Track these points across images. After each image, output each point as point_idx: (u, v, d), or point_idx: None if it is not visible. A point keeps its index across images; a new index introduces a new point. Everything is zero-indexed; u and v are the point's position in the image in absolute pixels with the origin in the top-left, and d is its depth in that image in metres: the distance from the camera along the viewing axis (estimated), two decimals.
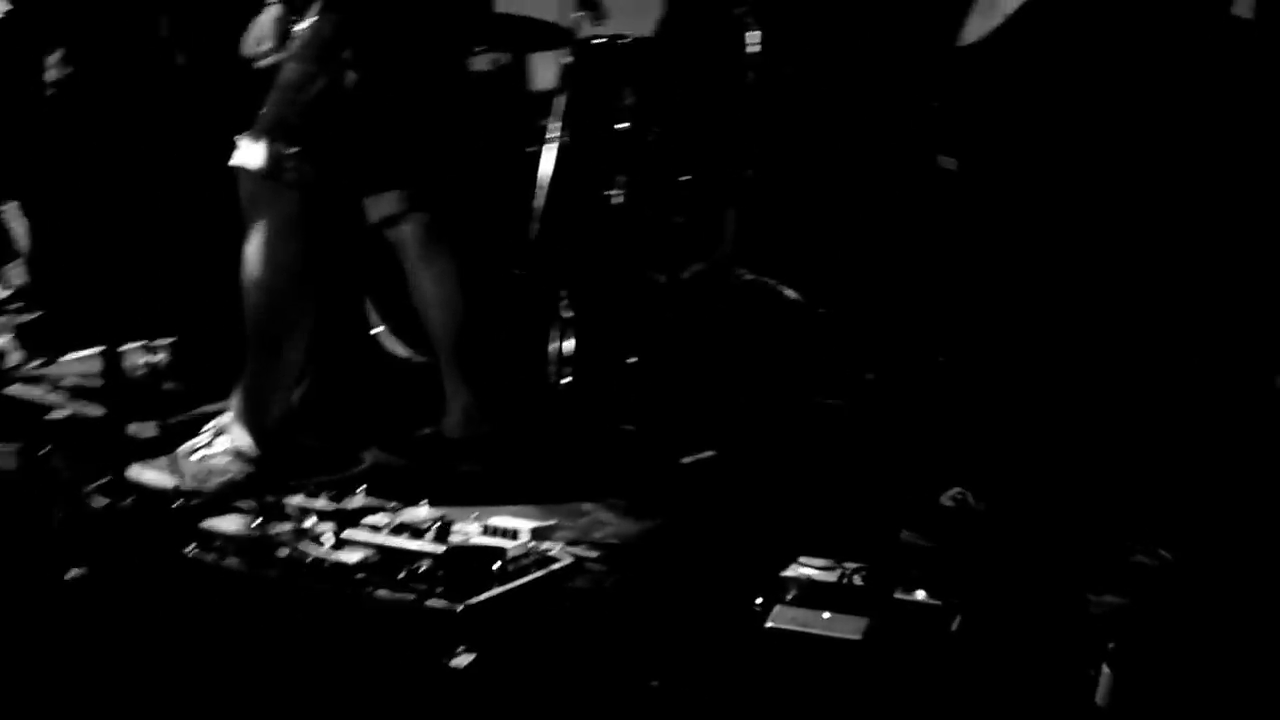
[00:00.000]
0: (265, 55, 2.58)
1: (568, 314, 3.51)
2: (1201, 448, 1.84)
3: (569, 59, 3.69)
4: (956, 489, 2.06)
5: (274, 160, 2.24)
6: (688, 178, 3.96)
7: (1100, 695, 1.41)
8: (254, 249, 2.27)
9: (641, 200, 3.94)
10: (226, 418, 2.34)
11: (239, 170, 2.28)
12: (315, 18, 2.30)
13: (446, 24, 2.42)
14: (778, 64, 3.46)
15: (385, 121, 2.33)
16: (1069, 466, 1.88)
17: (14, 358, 3.40)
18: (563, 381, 3.25)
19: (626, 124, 3.68)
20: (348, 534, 1.87)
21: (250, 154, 2.26)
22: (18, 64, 3.64)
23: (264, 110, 2.32)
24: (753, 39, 3.48)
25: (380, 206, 2.50)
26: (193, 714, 1.44)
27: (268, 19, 2.54)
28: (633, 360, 3.63)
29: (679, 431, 2.95)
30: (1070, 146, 1.68)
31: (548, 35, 4.00)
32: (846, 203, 3.64)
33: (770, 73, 3.45)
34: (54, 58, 3.71)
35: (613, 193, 3.84)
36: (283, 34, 2.43)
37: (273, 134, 2.26)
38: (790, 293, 3.64)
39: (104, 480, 2.01)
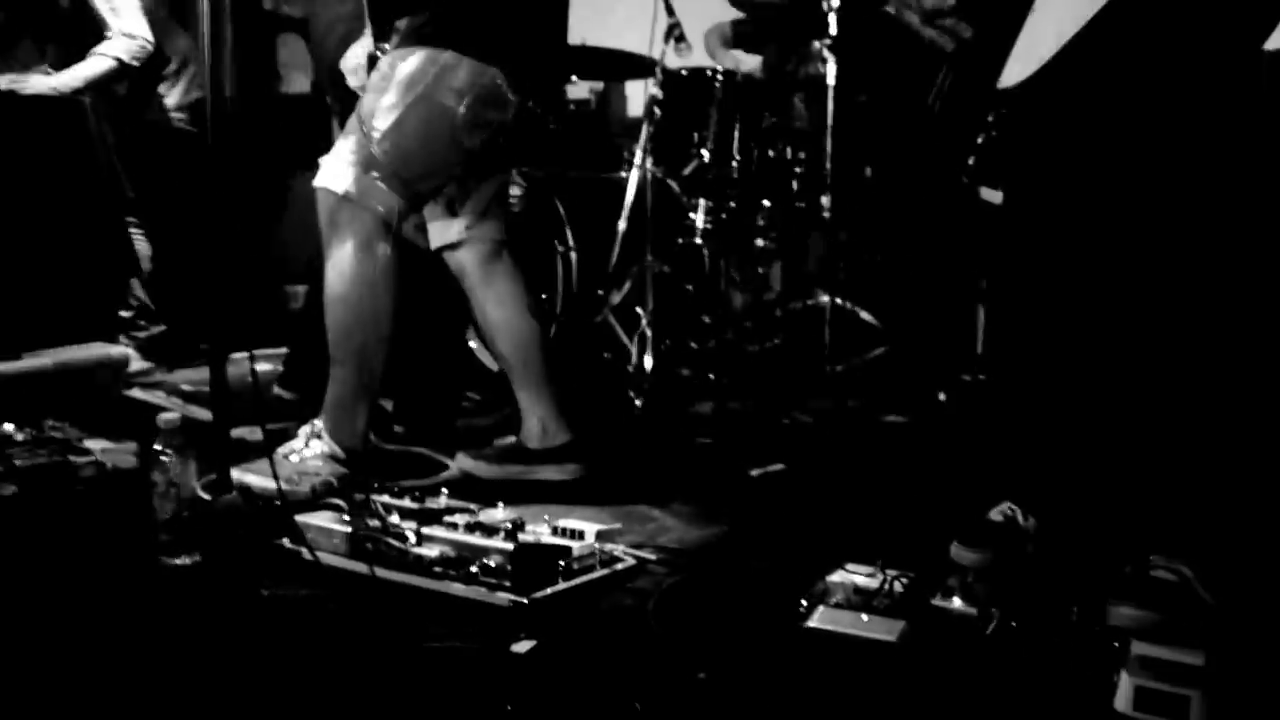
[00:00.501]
0: (357, 83, 2.78)
1: (647, 331, 3.66)
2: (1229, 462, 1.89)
3: (656, 89, 3.84)
4: (1007, 504, 2.13)
5: (351, 183, 2.42)
6: (769, 204, 4.08)
7: (1120, 701, 1.49)
8: (334, 265, 2.44)
9: (724, 224, 4.07)
10: (319, 423, 2.52)
11: (320, 190, 2.46)
12: (394, 52, 2.48)
13: (531, 59, 2.55)
14: (852, 94, 3.56)
15: (455, 151, 2.49)
16: (1105, 480, 1.94)
17: (135, 366, 3.66)
18: (640, 397, 3.39)
19: (709, 151, 3.82)
20: (428, 531, 2.02)
21: (331, 176, 2.44)
22: (140, 92, 3.91)
23: (344, 134, 2.50)
24: (830, 71, 3.60)
25: (441, 233, 2.66)
26: (286, 683, 1.60)
27: (361, 49, 2.73)
28: (714, 379, 3.77)
29: (750, 446, 3.07)
30: (1105, 182, 1.76)
31: (636, 66, 4.16)
32: (910, 228, 3.73)
33: (846, 103, 3.55)
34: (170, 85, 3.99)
35: (694, 217, 3.99)
36: (371, 64, 2.62)
37: (350, 158, 2.43)
38: (866, 315, 3.73)
39: (211, 478, 2.19)
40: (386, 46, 2.54)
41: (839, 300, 3.68)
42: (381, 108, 2.41)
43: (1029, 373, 2.05)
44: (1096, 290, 1.83)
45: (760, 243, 4.17)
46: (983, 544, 2.04)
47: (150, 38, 3.72)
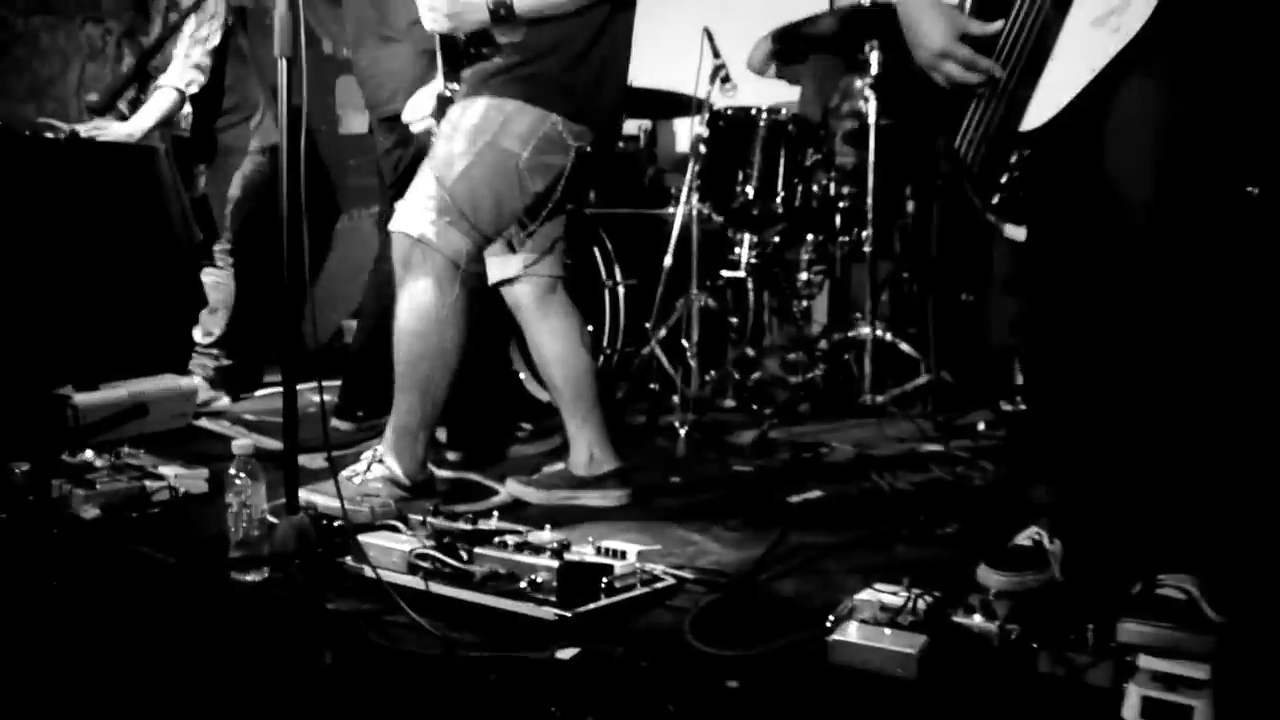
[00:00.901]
0: (423, 126, 2.93)
1: (692, 363, 3.79)
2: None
3: (702, 128, 3.99)
4: (1034, 528, 2.21)
5: (425, 227, 2.58)
6: (815, 238, 4.21)
7: (1128, 710, 1.58)
8: (405, 303, 2.59)
9: (769, 259, 4.19)
10: (381, 449, 2.67)
11: (396, 234, 2.62)
12: (462, 101, 2.63)
13: (591, 106, 2.69)
14: (893, 134, 3.68)
15: (520, 195, 2.64)
16: (1128, 503, 2.02)
17: (203, 396, 3.84)
18: (685, 426, 3.51)
19: (754, 188, 3.94)
20: (480, 550, 2.15)
21: (406, 220, 2.59)
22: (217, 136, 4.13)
23: (417, 179, 2.66)
24: (871, 109, 3.72)
25: (500, 268, 2.80)
26: (346, 687, 1.73)
27: (429, 93, 2.89)
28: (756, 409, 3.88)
29: (790, 474, 3.18)
30: (1121, 223, 1.85)
31: (683, 104, 4.30)
32: (948, 261, 3.83)
33: (886, 140, 3.67)
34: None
35: (739, 251, 4.12)
36: (440, 110, 2.78)
37: (424, 203, 2.59)
38: (905, 347, 3.83)
39: (279, 501, 2.34)
40: (456, 88, 2.70)
41: (879, 332, 3.79)
42: (452, 155, 2.56)
43: (1057, 401, 2.14)
44: (1115, 325, 1.93)
45: (804, 276, 4.29)
46: (1007, 566, 2.13)
47: (209, 68, 3.87)
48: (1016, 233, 2.06)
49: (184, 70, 3.79)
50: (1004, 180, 2.00)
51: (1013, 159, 1.98)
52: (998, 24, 1.94)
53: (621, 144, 5.08)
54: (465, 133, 2.56)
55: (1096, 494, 2.13)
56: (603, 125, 2.69)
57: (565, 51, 2.58)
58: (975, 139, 2.03)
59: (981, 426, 3.64)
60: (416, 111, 2.90)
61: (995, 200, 2.03)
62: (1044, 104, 1.91)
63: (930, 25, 1.99)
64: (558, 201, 2.71)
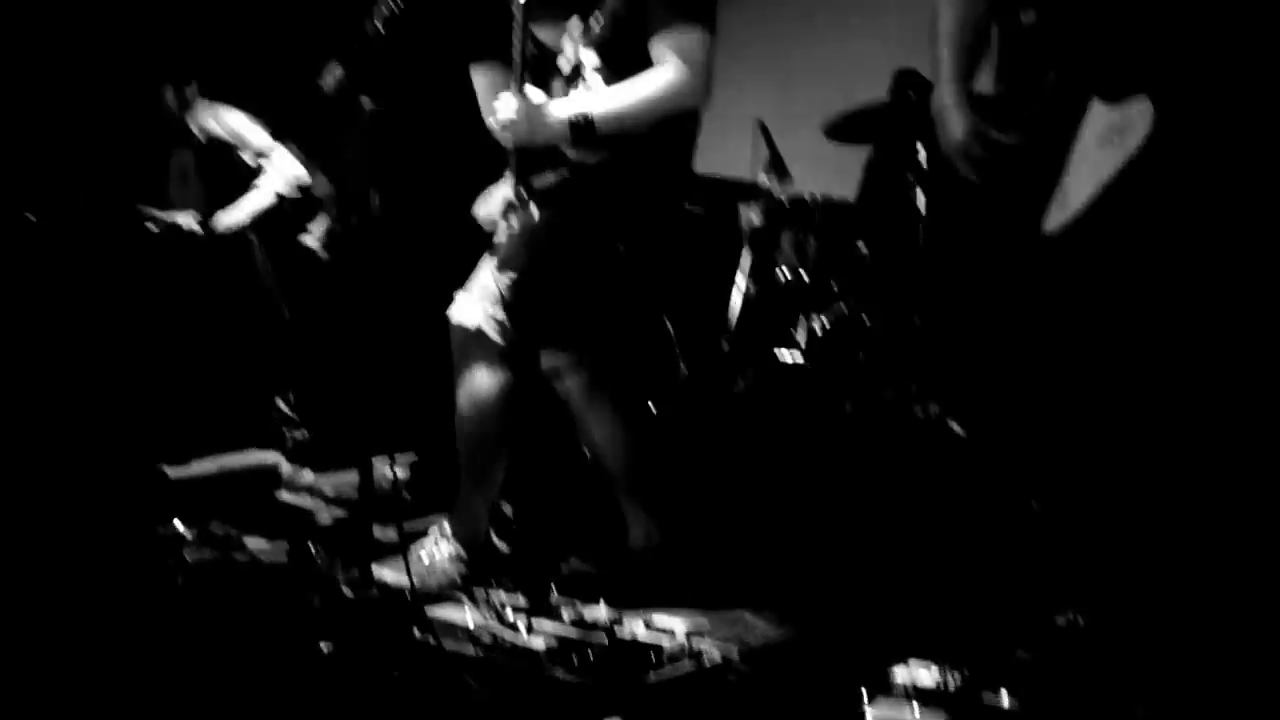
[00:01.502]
0: (490, 223, 3.13)
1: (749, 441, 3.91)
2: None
3: (758, 214, 4.15)
4: (1070, 608, 2.29)
5: (482, 319, 2.76)
6: (867, 320, 4.32)
7: None
8: (465, 390, 2.76)
9: (825, 339, 4.32)
10: (447, 525, 2.84)
11: (454, 324, 2.81)
12: (525, 209, 2.82)
13: (644, 216, 2.86)
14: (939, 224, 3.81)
15: (575, 294, 2.81)
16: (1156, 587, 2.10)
17: (285, 470, 4.06)
18: (740, 503, 3.62)
19: (808, 272, 4.09)
20: (538, 623, 2.30)
21: (464, 311, 2.79)
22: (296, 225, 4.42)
23: (478, 274, 2.85)
24: (920, 200, 3.86)
25: (551, 359, 2.91)
26: None
27: (499, 195, 3.08)
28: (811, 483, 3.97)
29: (841, 548, 3.27)
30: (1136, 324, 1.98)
31: (742, 190, 4.47)
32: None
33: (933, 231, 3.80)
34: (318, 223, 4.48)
35: (796, 332, 4.25)
36: (506, 211, 2.97)
37: (488, 297, 2.78)
38: (954, 425, 3.91)
39: (353, 574, 2.51)
40: (524, 192, 2.86)
41: (929, 409, 3.88)
42: (511, 256, 2.76)
43: (1092, 485, 2.24)
44: (1139, 418, 2.04)
45: (861, 355, 4.41)
46: (1038, 645, 2.22)
47: (304, 173, 4.22)
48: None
49: (281, 179, 4.11)
50: (1023, 279, 2.15)
51: (1031, 260, 2.13)
52: (1013, 137, 2.10)
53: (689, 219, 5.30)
54: (525, 238, 2.75)
55: (1132, 573, 2.21)
56: (650, 233, 2.86)
57: (630, 165, 2.75)
58: (996, 235, 2.19)
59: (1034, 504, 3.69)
60: (486, 208, 3.10)
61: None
62: (1060, 210, 2.05)
63: (954, 123, 2.19)
64: (609, 294, 2.87)
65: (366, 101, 2.27)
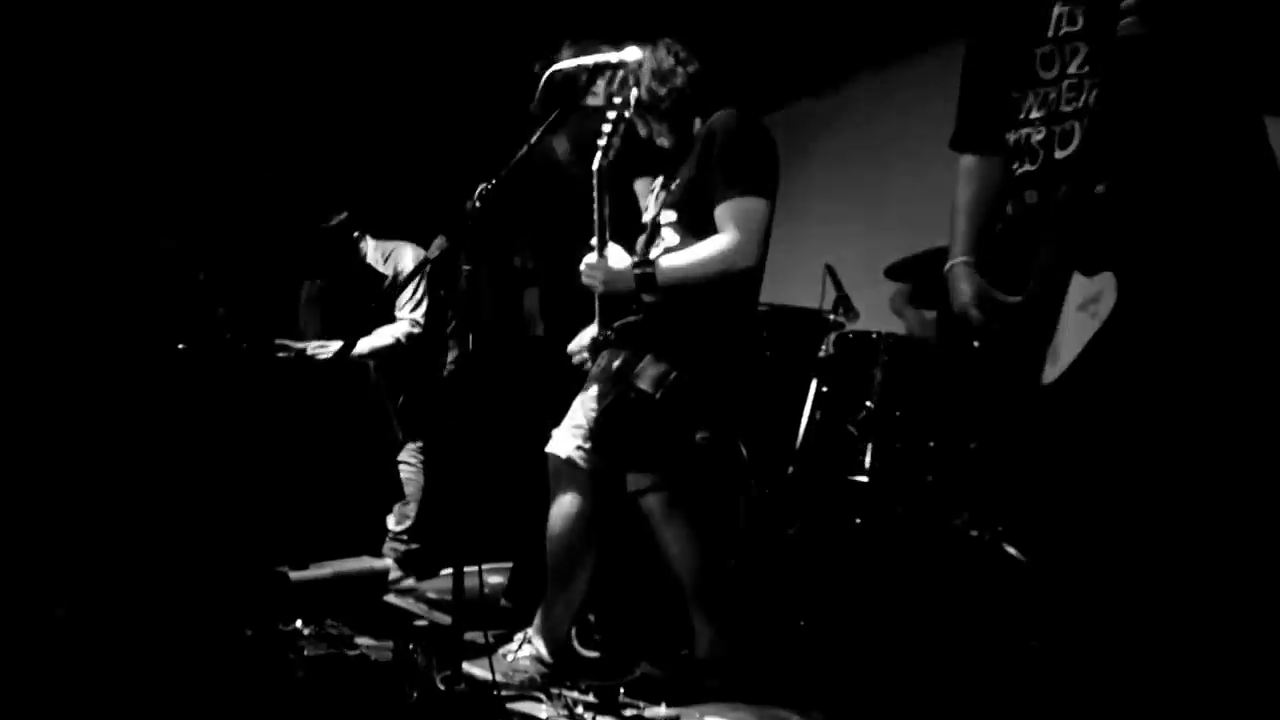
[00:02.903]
0: (580, 361, 3.53)
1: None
2: None
3: (827, 346, 4.48)
4: None
5: (572, 450, 3.14)
6: (932, 444, 4.59)
7: None
8: (556, 509, 3.15)
9: (891, 464, 4.59)
10: (532, 630, 3.20)
11: (550, 454, 3.20)
12: (610, 350, 3.22)
13: (713, 356, 3.22)
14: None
15: (654, 423, 3.17)
16: None
17: (393, 575, 4.48)
18: (804, 620, 3.89)
19: (874, 402, 4.39)
20: None
21: (558, 443, 3.18)
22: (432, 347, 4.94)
23: (573, 409, 3.24)
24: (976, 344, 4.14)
25: (634, 482, 3.25)
26: None
27: (588, 334, 3.46)
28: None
29: (893, 665, 3.50)
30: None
31: (811, 324, 4.81)
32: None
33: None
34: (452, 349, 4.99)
35: (863, 459, 4.53)
36: (594, 351, 3.36)
37: (572, 429, 3.17)
38: (1010, 549, 4.12)
39: (447, 671, 2.85)
40: (609, 334, 3.24)
41: (983, 534, 4.10)
42: (598, 394, 3.15)
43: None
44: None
45: (929, 478, 4.65)
46: None
47: (422, 324, 4.77)
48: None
49: (406, 325, 4.68)
50: (1027, 420, 2.45)
51: (1033, 405, 2.43)
52: (1015, 298, 2.43)
53: (764, 350, 5.64)
54: (609, 376, 3.14)
55: None
56: (727, 372, 3.22)
57: (696, 315, 3.13)
58: (1005, 384, 2.51)
59: None
60: (578, 346, 3.51)
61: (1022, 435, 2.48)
62: (1054, 364, 2.36)
63: (964, 287, 2.53)
64: (682, 425, 3.23)
65: (464, 264, 2.71)
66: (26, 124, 4.30)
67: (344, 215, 4.79)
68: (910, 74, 5.32)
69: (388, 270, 4.90)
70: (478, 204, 2.69)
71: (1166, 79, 2.21)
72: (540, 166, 4.05)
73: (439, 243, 2.72)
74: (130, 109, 4.71)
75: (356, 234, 4.85)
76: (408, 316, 4.83)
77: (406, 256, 4.92)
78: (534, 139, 2.83)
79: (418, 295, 4.82)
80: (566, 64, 3.01)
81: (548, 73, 3.02)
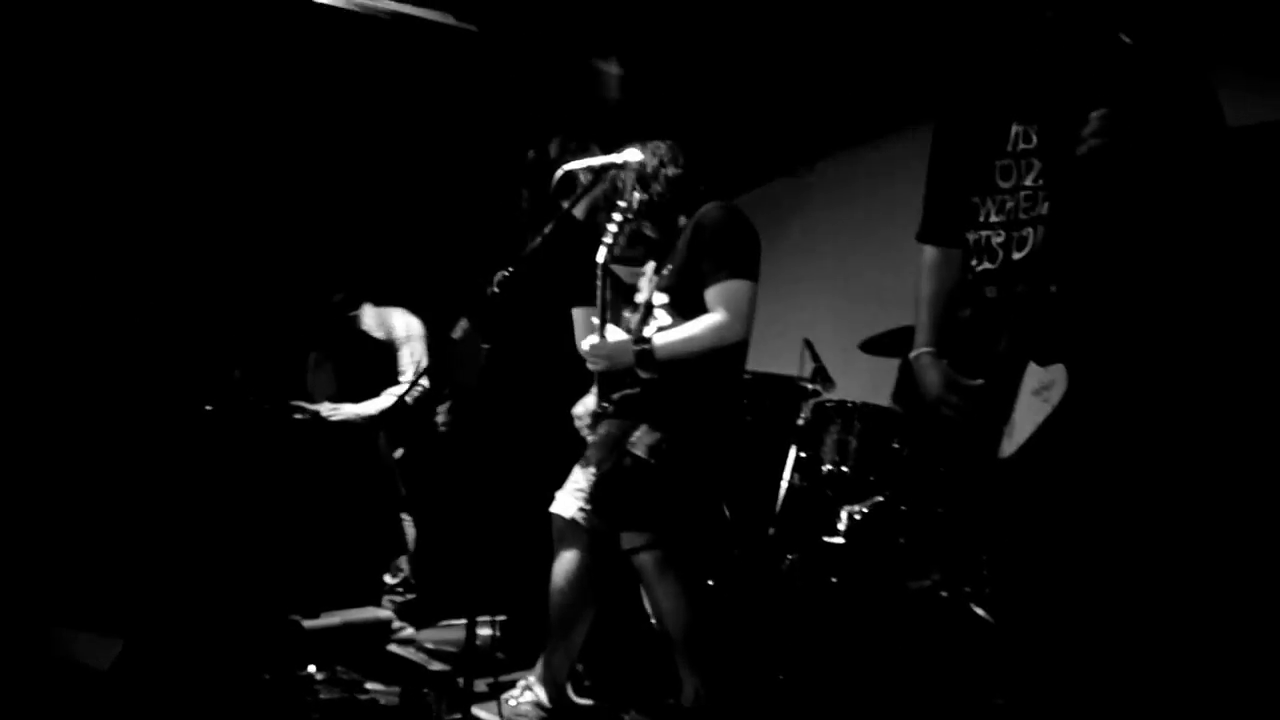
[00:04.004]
0: (582, 430, 3.80)
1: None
2: None
3: (805, 414, 4.77)
4: None
5: (574, 511, 3.41)
6: (903, 508, 4.87)
7: None
8: (557, 566, 3.40)
9: (865, 526, 4.86)
10: (533, 677, 3.44)
11: (553, 514, 3.47)
12: (610, 420, 3.50)
13: (703, 422, 3.49)
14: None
15: (647, 487, 3.45)
16: None
17: (395, 625, 4.70)
18: (786, 670, 4.14)
19: (850, 467, 4.67)
20: None
21: (561, 504, 3.45)
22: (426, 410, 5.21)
23: (575, 472, 3.52)
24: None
25: (629, 540, 3.48)
26: None
27: (588, 404, 3.72)
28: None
29: (859, 711, 3.75)
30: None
31: (789, 393, 5.10)
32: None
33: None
34: (444, 405, 5.26)
35: (839, 521, 4.80)
36: (594, 420, 3.63)
37: (575, 492, 3.44)
38: (978, 610, 4.39)
39: (456, 715, 3.09)
40: (608, 405, 3.51)
41: (952, 593, 4.37)
42: (598, 460, 3.42)
43: None
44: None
45: (901, 541, 4.92)
46: None
47: (427, 385, 5.05)
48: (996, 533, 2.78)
49: (409, 387, 4.96)
50: (986, 492, 2.75)
51: (991, 478, 2.73)
52: (979, 381, 2.73)
53: (747, 416, 5.92)
54: (608, 444, 3.42)
55: None
56: (717, 438, 3.51)
57: (689, 387, 3.42)
58: (967, 459, 2.80)
59: None
60: (581, 413, 3.78)
61: (981, 505, 2.78)
62: (1010, 442, 2.66)
63: (931, 377, 2.81)
64: (675, 489, 3.51)
65: (484, 345, 3.00)
66: (65, 209, 4.59)
67: (341, 295, 5.10)
68: (878, 156, 5.70)
69: (381, 334, 5.18)
70: (496, 289, 2.99)
71: (1116, 197, 2.52)
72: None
73: (463, 324, 3.02)
74: (172, 201, 5.02)
75: (353, 313, 5.14)
76: (409, 377, 5.11)
77: (396, 320, 5.20)
78: (548, 231, 3.14)
79: (418, 357, 5.10)
80: (577, 165, 3.32)
81: (560, 171, 3.33)
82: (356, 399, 4.96)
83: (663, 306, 3.50)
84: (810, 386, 4.75)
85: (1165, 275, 2.65)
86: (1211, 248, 2.82)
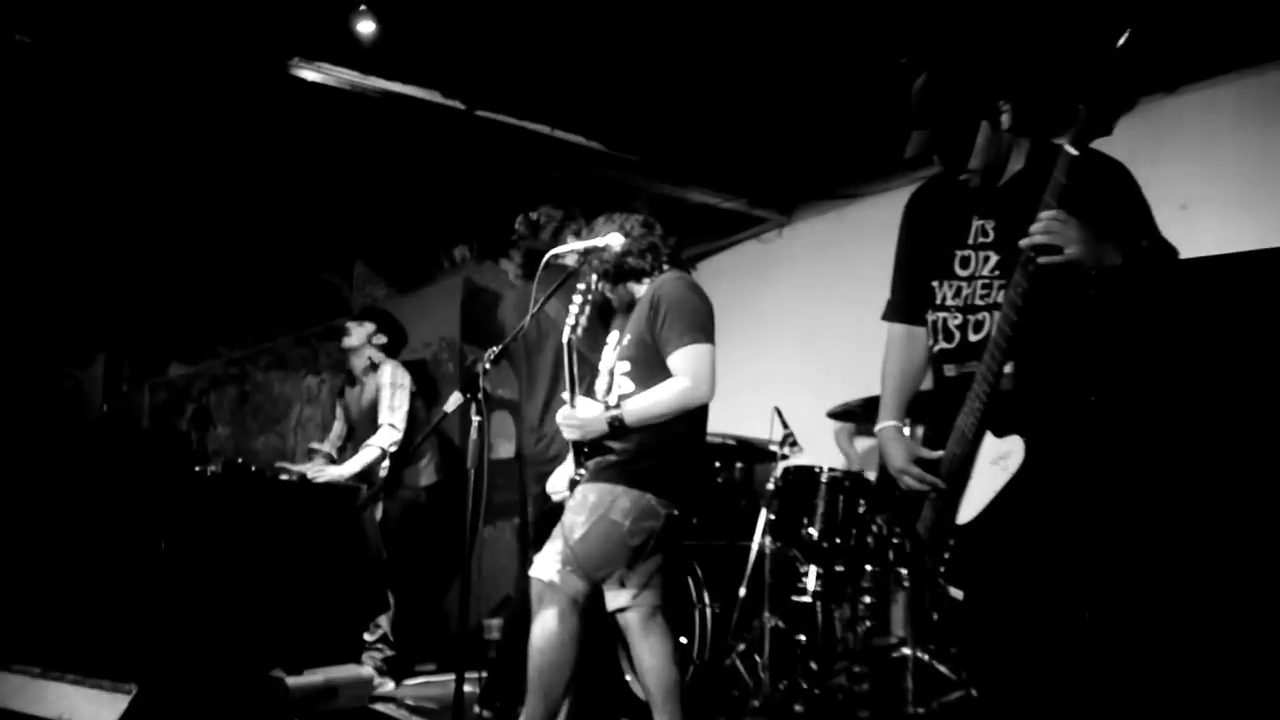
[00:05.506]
0: (559, 498, 3.95)
1: (763, 676, 4.61)
2: None
3: (775, 479, 4.96)
4: None
5: (553, 574, 3.55)
6: (873, 569, 5.05)
7: None
8: (537, 628, 3.52)
9: (832, 586, 5.04)
10: None
11: (533, 578, 3.61)
12: (585, 485, 3.66)
13: (678, 483, 3.67)
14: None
15: (624, 552, 3.60)
16: None
17: (377, 681, 4.82)
18: None
19: (818, 529, 4.86)
20: None
21: (540, 567, 3.59)
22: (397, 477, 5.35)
23: (551, 539, 3.67)
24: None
25: (613, 600, 3.64)
26: None
27: (564, 474, 3.88)
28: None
29: None
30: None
31: (759, 457, 5.31)
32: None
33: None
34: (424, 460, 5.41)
35: (806, 581, 4.98)
36: (571, 488, 3.78)
37: (554, 556, 3.58)
38: (941, 667, 4.57)
39: None
40: (583, 473, 3.67)
41: (918, 652, 4.56)
42: (576, 524, 3.57)
43: None
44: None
45: (867, 600, 5.11)
46: None
47: (403, 430, 5.19)
48: (957, 593, 2.96)
49: (387, 433, 5.09)
50: (946, 555, 2.93)
51: (951, 542, 2.92)
52: (939, 453, 2.92)
53: (720, 479, 6.12)
54: (587, 509, 3.59)
55: None
56: (687, 497, 3.69)
57: (659, 448, 3.62)
58: (928, 525, 2.99)
59: None
60: (555, 486, 3.94)
61: (942, 569, 2.95)
62: (968, 508, 2.86)
63: (895, 451, 3.01)
64: (653, 549, 3.69)
65: (475, 415, 3.19)
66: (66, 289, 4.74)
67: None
68: (844, 223, 5.96)
69: (370, 385, 5.34)
70: (487, 366, 3.18)
71: (1063, 288, 2.74)
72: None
73: (455, 398, 3.21)
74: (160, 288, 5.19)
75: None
76: (387, 422, 5.26)
77: (385, 371, 5.36)
78: (534, 310, 3.33)
79: (397, 404, 5.26)
80: (563, 249, 3.55)
81: (549, 254, 3.55)
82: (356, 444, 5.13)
83: (625, 374, 3.71)
84: (780, 451, 4.94)
85: (1113, 355, 2.88)
86: (1146, 327, 3.05)
